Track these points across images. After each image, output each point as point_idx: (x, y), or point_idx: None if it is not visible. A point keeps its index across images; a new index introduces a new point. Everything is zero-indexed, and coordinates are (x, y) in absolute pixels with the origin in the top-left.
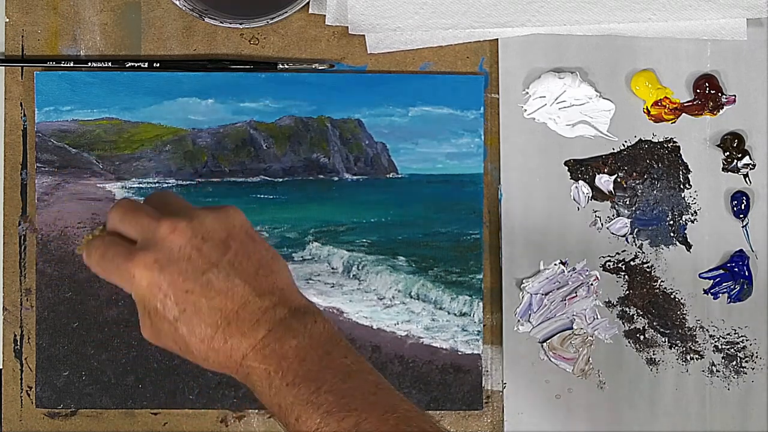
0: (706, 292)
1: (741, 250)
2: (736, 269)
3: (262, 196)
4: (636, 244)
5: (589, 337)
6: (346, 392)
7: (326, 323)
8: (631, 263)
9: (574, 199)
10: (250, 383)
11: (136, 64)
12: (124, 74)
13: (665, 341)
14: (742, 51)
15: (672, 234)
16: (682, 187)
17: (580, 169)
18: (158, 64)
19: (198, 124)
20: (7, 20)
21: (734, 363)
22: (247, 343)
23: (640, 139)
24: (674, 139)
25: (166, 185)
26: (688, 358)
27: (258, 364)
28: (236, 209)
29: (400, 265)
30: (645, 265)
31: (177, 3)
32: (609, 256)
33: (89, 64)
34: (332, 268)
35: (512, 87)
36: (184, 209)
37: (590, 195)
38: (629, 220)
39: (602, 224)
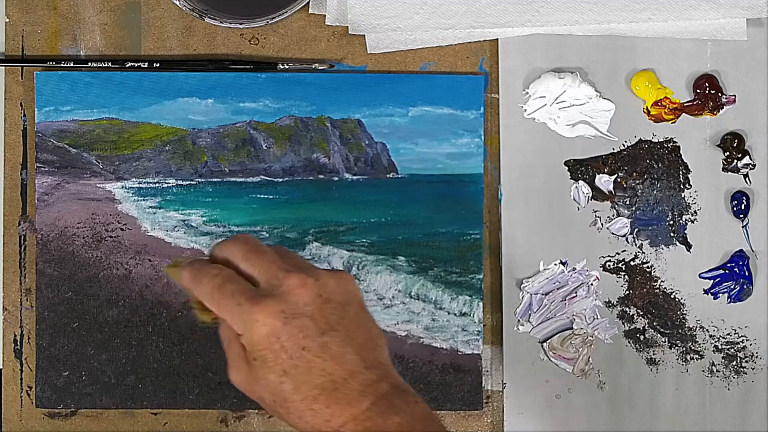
0: (706, 292)
1: (741, 250)
2: (736, 269)
3: (262, 196)
4: (636, 244)
5: (589, 337)
6: None
7: (425, 404)
8: (631, 263)
9: (574, 199)
10: None
11: (136, 64)
12: (124, 74)
13: (665, 341)
14: (742, 51)
15: (672, 234)
16: (682, 187)
17: (580, 169)
18: (158, 64)
19: (198, 124)
20: (7, 20)
21: (734, 363)
22: (349, 412)
23: (640, 139)
24: (674, 139)
25: (166, 185)
26: (688, 358)
27: None
28: (352, 278)
29: (400, 265)
30: (645, 265)
31: (177, 3)
32: (609, 256)
33: (89, 64)
34: (332, 269)
35: (512, 87)
36: (306, 265)
37: (590, 195)
38: (629, 220)
39: (602, 224)
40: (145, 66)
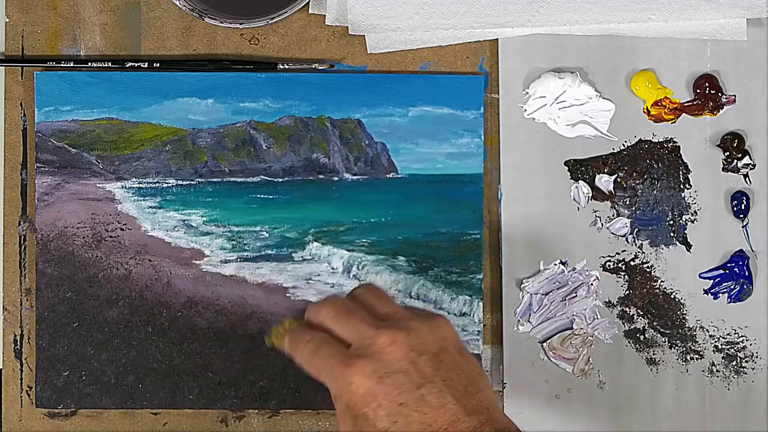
0: (706, 292)
1: (741, 250)
2: (736, 269)
3: (262, 196)
4: (636, 244)
5: (589, 337)
6: None
7: None
8: (631, 263)
9: (574, 199)
10: None
11: (136, 64)
12: (124, 74)
13: (665, 341)
14: (742, 51)
15: (672, 234)
16: (682, 187)
17: (580, 169)
18: (158, 64)
19: (198, 124)
20: (7, 20)
21: (734, 363)
22: None
23: (640, 139)
24: (674, 139)
25: (165, 185)
26: (688, 358)
27: None
28: (447, 321)
29: (400, 265)
30: (645, 265)
31: (177, 3)
32: (609, 256)
33: (89, 64)
34: (332, 268)
35: (512, 87)
36: (396, 316)
37: (590, 195)
38: (629, 220)
39: (602, 224)
40: (145, 66)
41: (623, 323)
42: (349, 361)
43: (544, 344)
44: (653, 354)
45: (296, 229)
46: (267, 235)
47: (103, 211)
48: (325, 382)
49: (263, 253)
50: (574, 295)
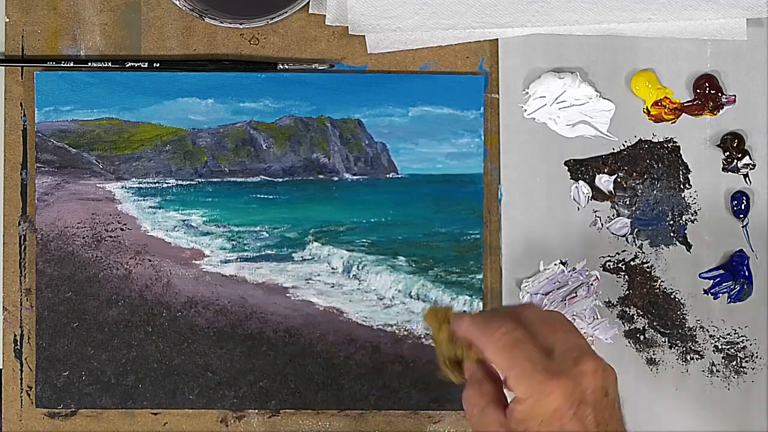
0: (706, 292)
1: (741, 250)
2: (737, 269)
3: (262, 196)
4: (636, 244)
5: (589, 337)
6: None
7: None
8: (631, 263)
9: (574, 199)
10: None
11: (136, 64)
12: (124, 74)
13: (665, 341)
14: (742, 51)
15: (672, 234)
16: (682, 187)
17: (580, 169)
18: (158, 64)
19: (198, 124)
20: (7, 20)
21: (734, 363)
22: None
23: (640, 139)
24: (674, 139)
25: (166, 185)
26: (688, 358)
27: None
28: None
29: (400, 265)
30: (645, 265)
31: (177, 3)
32: (609, 256)
33: (89, 64)
34: (332, 268)
35: (512, 87)
36: (586, 348)
37: (590, 195)
38: (629, 220)
39: (602, 224)
40: (145, 66)
41: (623, 323)
42: (553, 372)
43: None
44: (653, 354)
45: (296, 229)
46: (267, 235)
47: (103, 211)
48: (513, 377)
49: (263, 253)
50: (574, 295)
